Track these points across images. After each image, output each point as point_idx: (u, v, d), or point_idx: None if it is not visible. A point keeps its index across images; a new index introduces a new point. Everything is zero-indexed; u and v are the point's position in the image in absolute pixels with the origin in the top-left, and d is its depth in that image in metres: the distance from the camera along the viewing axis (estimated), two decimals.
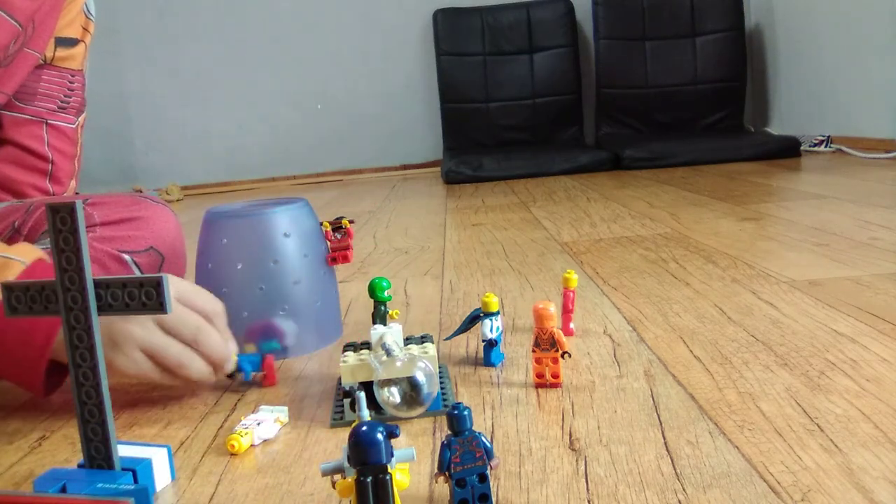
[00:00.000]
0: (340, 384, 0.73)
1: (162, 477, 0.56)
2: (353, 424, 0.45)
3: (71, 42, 1.06)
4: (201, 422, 0.69)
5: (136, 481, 0.53)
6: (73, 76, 1.09)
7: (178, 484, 0.57)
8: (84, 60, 1.11)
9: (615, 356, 0.77)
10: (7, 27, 0.90)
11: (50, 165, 1.08)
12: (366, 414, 0.47)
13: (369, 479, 0.44)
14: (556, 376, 0.70)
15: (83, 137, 1.15)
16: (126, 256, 0.93)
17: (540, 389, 0.70)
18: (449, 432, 0.48)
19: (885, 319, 0.82)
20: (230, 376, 0.76)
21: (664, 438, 0.58)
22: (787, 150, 2.80)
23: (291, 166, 3.65)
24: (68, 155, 1.11)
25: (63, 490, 0.50)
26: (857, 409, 0.60)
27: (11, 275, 0.70)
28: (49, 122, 1.06)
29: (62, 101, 1.07)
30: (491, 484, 0.50)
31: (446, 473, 0.48)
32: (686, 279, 1.07)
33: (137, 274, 0.93)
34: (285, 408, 0.67)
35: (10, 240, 0.98)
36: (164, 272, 0.96)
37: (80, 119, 1.12)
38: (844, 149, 2.73)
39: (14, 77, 0.98)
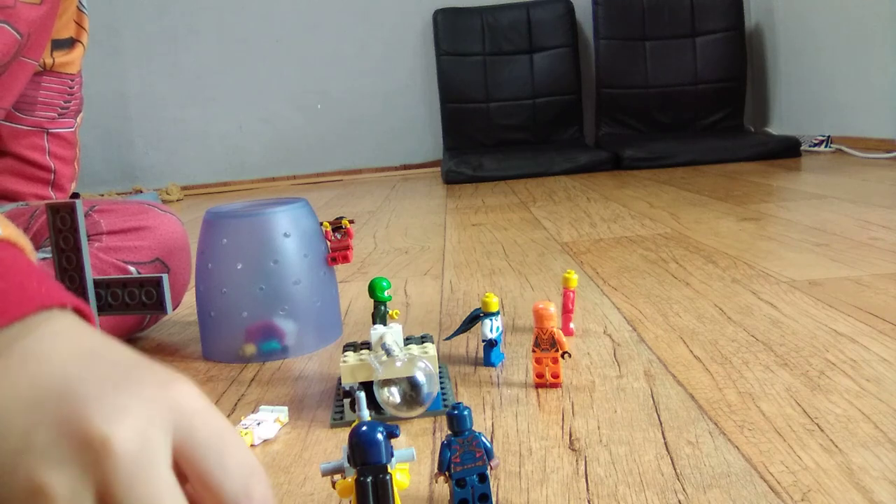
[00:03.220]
0: (340, 384, 0.73)
1: None
2: (353, 424, 0.45)
3: (67, 43, 1.03)
4: None
5: None
6: (72, 80, 1.06)
7: None
8: (81, 61, 1.09)
9: (615, 356, 0.77)
10: (8, 38, 0.88)
11: (52, 175, 1.07)
12: (366, 414, 0.47)
13: (369, 479, 0.44)
14: (556, 376, 0.70)
15: (81, 137, 1.13)
16: (131, 268, 0.92)
17: (540, 389, 0.70)
18: (449, 432, 0.48)
19: (885, 319, 0.82)
20: None
21: (664, 438, 0.58)
22: (787, 150, 2.80)
23: (291, 166, 3.65)
24: (68, 160, 1.09)
25: None
26: (857, 409, 0.60)
27: None
28: (49, 130, 1.04)
29: (62, 108, 1.04)
30: (491, 484, 0.50)
31: (446, 473, 0.48)
32: (686, 279, 1.07)
33: None
34: (285, 408, 0.67)
35: None
36: (168, 283, 0.95)
37: (78, 120, 1.10)
38: (844, 149, 2.73)
39: (12, 89, 0.94)
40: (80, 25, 1.05)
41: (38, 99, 1.01)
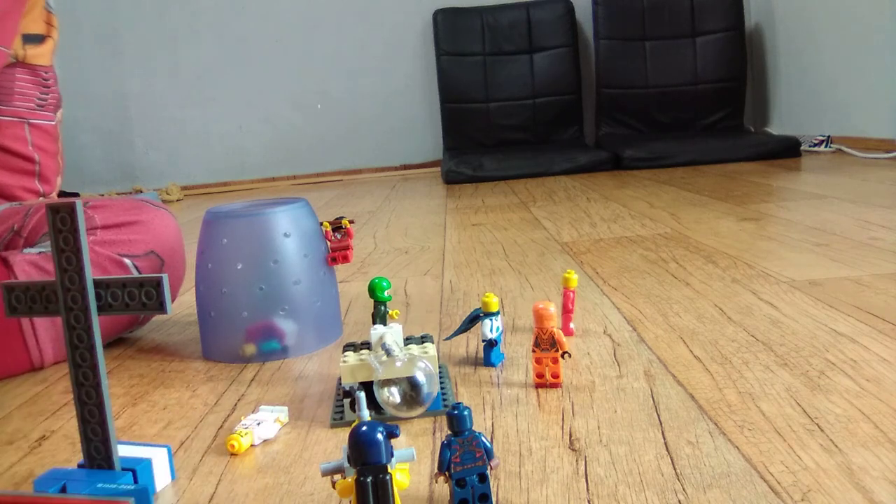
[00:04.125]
0: (340, 384, 0.73)
1: (162, 477, 0.56)
2: (353, 424, 0.45)
3: (38, 38, 1.07)
4: (201, 422, 0.69)
5: (136, 481, 0.53)
6: (46, 73, 1.09)
7: (178, 484, 0.57)
8: (52, 55, 1.12)
9: (615, 356, 0.77)
10: None
11: (37, 166, 1.08)
12: (366, 414, 0.47)
13: (369, 479, 0.44)
14: (556, 376, 0.70)
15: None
16: (127, 260, 0.93)
17: (540, 389, 0.70)
18: (449, 432, 0.48)
19: (885, 319, 0.82)
20: None
21: (664, 438, 0.58)
22: (787, 150, 2.80)
23: (291, 166, 3.65)
24: (51, 153, 1.12)
25: (63, 490, 0.50)
26: (857, 409, 0.60)
27: None
28: (30, 121, 1.06)
29: (40, 99, 1.07)
30: (491, 484, 0.50)
31: (446, 473, 0.48)
32: (686, 279, 1.07)
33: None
34: (285, 408, 0.67)
35: (10, 242, 0.98)
36: (168, 284, 0.96)
37: (58, 115, 1.13)
38: (844, 149, 2.73)
39: None
40: (49, 24, 1.10)
41: (14, 89, 1.05)
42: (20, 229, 0.99)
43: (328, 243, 0.91)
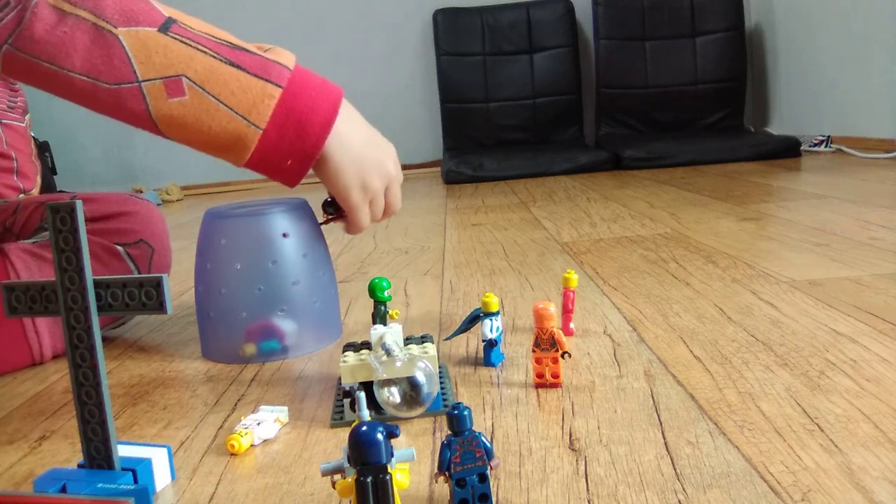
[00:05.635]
0: (340, 384, 0.73)
1: (162, 477, 0.56)
2: (353, 424, 0.45)
3: None
4: (201, 422, 0.69)
5: (136, 481, 0.53)
6: (13, 80, 1.11)
7: (178, 484, 0.57)
8: None
9: (615, 356, 0.77)
10: None
11: (14, 162, 1.10)
12: (366, 414, 0.47)
13: (369, 479, 0.44)
14: (556, 376, 0.70)
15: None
16: (119, 248, 0.94)
17: (540, 389, 0.70)
18: (449, 432, 0.48)
19: (885, 319, 0.82)
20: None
21: (664, 438, 0.58)
22: (787, 150, 2.80)
23: None
24: (25, 153, 1.13)
25: (63, 490, 0.50)
26: (857, 409, 0.60)
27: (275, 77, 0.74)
28: (2, 121, 1.08)
29: (10, 100, 1.09)
30: (491, 484, 0.50)
31: (446, 473, 0.48)
32: (686, 279, 1.07)
33: (131, 264, 0.95)
34: (285, 408, 0.67)
35: (2, 239, 0.99)
36: (154, 264, 0.97)
37: (26, 119, 1.14)
38: (844, 149, 2.73)
39: None
40: None
41: None
42: (11, 226, 1.01)
43: (325, 216, 0.90)
